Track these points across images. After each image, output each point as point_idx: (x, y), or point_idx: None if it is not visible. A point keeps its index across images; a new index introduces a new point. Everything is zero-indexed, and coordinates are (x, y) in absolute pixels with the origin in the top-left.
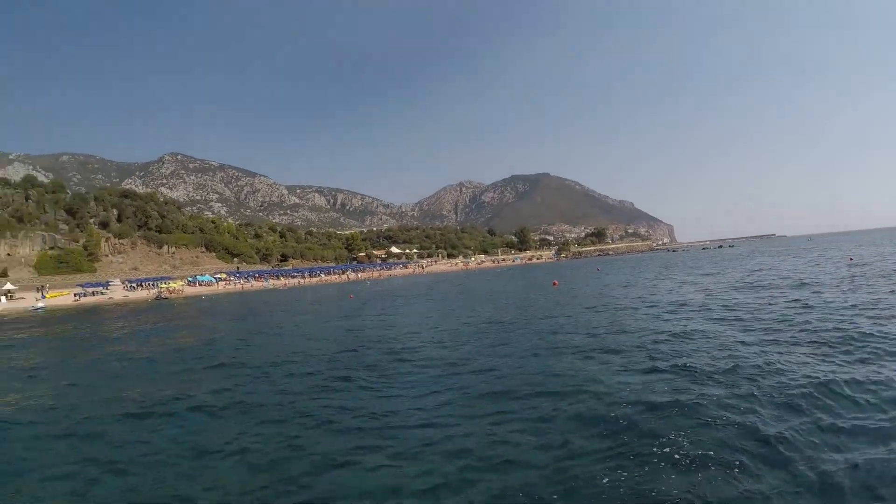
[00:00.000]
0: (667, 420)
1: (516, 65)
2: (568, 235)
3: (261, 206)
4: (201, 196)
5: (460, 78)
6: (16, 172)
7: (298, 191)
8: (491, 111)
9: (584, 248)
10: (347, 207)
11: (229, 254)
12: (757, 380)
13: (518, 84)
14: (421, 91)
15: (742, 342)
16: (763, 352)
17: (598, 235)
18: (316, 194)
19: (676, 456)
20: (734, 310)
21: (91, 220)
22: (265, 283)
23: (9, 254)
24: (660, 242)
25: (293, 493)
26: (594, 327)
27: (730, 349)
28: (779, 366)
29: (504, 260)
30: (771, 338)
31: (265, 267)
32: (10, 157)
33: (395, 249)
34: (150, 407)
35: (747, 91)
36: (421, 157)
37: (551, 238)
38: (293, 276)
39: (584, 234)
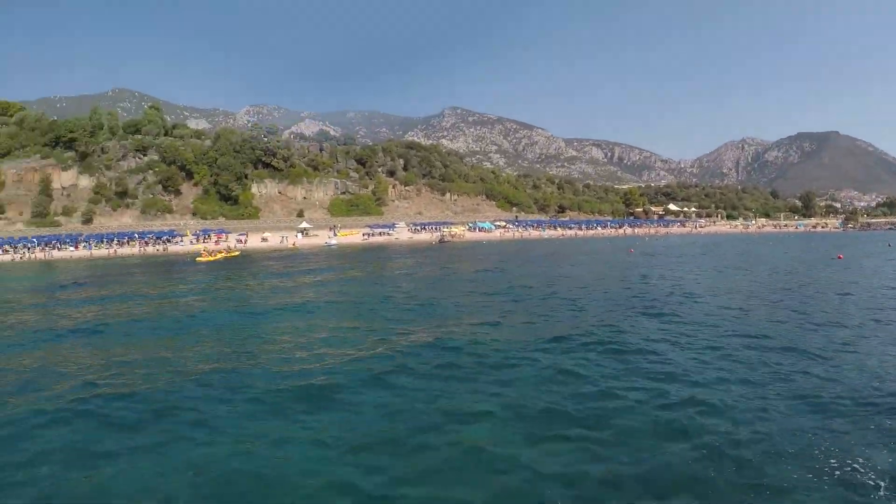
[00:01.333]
0: None
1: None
2: (857, 203)
3: (538, 158)
4: (480, 148)
5: (740, 23)
6: (307, 128)
7: (575, 144)
8: (772, 60)
9: (874, 220)
10: (625, 161)
11: (508, 203)
12: None
13: (807, 30)
14: (697, 38)
15: None
16: None
17: (891, 206)
18: (593, 147)
19: None
20: None
21: (379, 169)
22: (542, 233)
23: (305, 197)
24: None
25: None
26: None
27: None
28: None
29: (786, 225)
30: None
31: (542, 217)
32: (302, 114)
33: (672, 207)
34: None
35: None
36: (700, 110)
37: (838, 205)
38: (570, 228)
39: (874, 203)
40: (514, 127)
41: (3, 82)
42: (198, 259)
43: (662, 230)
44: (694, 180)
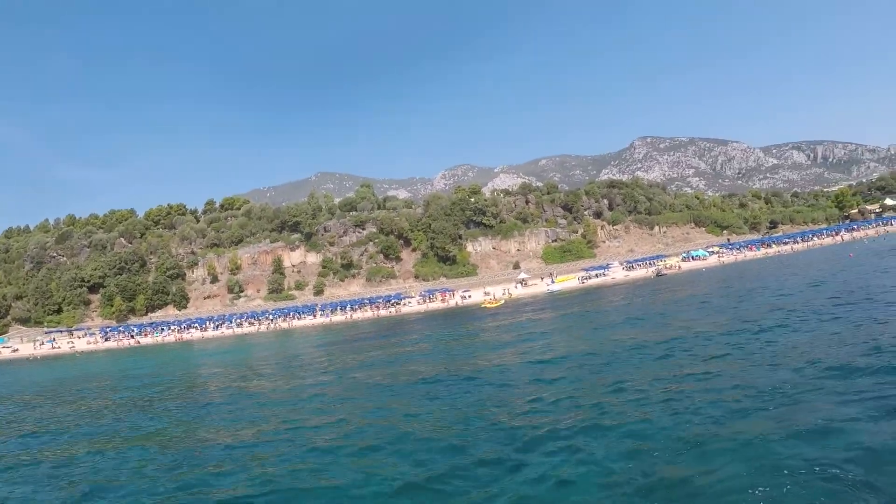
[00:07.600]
0: None
1: None
2: None
3: (738, 173)
4: (677, 173)
5: None
6: (503, 182)
7: (774, 150)
8: None
9: None
10: (829, 160)
11: (718, 227)
12: None
13: None
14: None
15: None
16: None
17: None
18: (794, 151)
19: None
20: None
21: (586, 212)
22: (757, 252)
23: (518, 249)
24: None
25: None
26: None
27: None
28: None
29: None
30: None
31: (754, 236)
32: (495, 170)
33: (889, 201)
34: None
35: None
36: None
37: None
38: (785, 243)
39: None
40: (708, 145)
41: (219, 181)
42: (483, 305)
43: (882, 229)
44: None
